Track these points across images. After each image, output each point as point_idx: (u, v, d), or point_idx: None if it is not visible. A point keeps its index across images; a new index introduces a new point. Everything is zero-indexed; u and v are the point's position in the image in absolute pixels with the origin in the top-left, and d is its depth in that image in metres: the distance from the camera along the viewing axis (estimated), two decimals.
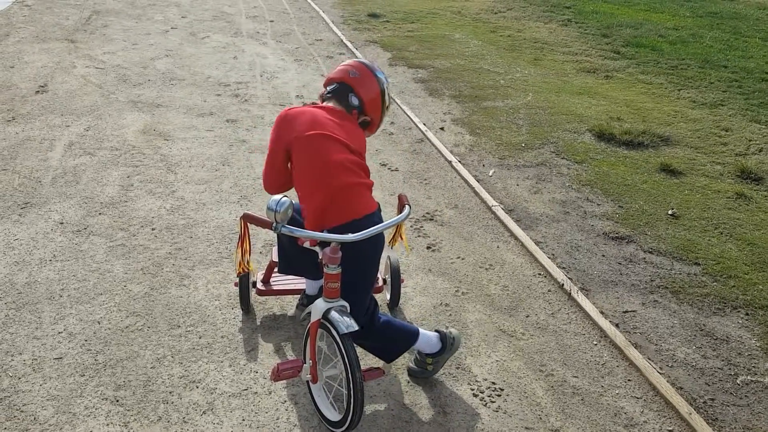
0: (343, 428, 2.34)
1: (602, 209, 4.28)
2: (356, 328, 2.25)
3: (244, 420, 2.47)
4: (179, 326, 2.96)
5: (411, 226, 3.95)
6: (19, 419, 2.42)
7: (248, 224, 2.41)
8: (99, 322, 2.95)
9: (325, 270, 2.27)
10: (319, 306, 2.33)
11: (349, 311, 2.33)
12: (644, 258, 3.75)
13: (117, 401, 2.52)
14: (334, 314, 2.28)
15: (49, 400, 2.51)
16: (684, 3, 11.79)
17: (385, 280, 3.17)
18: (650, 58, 7.99)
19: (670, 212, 4.23)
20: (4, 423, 2.40)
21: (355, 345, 2.30)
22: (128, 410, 2.49)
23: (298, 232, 2.21)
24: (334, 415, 2.42)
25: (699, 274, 3.61)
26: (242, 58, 7.45)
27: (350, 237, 2.22)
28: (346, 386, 2.28)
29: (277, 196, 2.15)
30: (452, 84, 6.78)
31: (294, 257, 2.78)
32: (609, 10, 10.89)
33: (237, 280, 3.00)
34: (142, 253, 3.52)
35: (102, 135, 5.04)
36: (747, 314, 3.28)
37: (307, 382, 2.50)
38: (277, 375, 2.39)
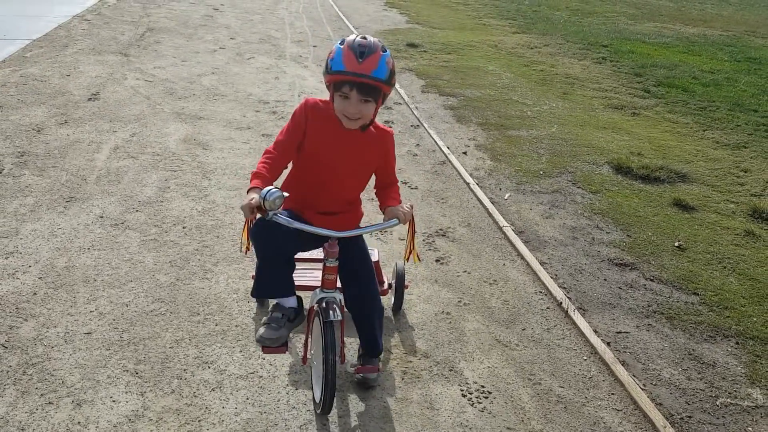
0: (319, 411, 2.58)
1: (610, 237, 4.44)
2: (340, 318, 2.48)
3: (248, 399, 2.71)
4: (199, 314, 3.23)
5: (423, 240, 4.18)
6: (49, 381, 2.70)
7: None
8: (127, 305, 3.25)
9: (325, 263, 2.52)
10: (317, 295, 2.61)
11: (341, 304, 2.56)
12: (645, 285, 3.90)
13: (136, 374, 2.79)
14: (324, 303, 2.52)
15: (77, 368, 2.79)
16: (723, 47, 11.88)
17: (390, 285, 3.39)
18: (680, 98, 8.12)
19: (676, 244, 4.37)
20: (36, 384, 2.69)
21: (336, 333, 2.46)
22: (146, 382, 2.75)
23: (284, 220, 2.38)
24: (318, 397, 2.64)
25: (696, 303, 3.74)
26: (283, 78, 7.83)
27: (335, 233, 2.45)
28: (323, 370, 2.46)
29: (270, 187, 2.33)
30: (480, 112, 7.02)
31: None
32: (646, 50, 11.04)
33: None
34: (172, 248, 3.82)
35: (146, 141, 5.41)
36: (737, 343, 3.40)
37: (311, 366, 2.73)
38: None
